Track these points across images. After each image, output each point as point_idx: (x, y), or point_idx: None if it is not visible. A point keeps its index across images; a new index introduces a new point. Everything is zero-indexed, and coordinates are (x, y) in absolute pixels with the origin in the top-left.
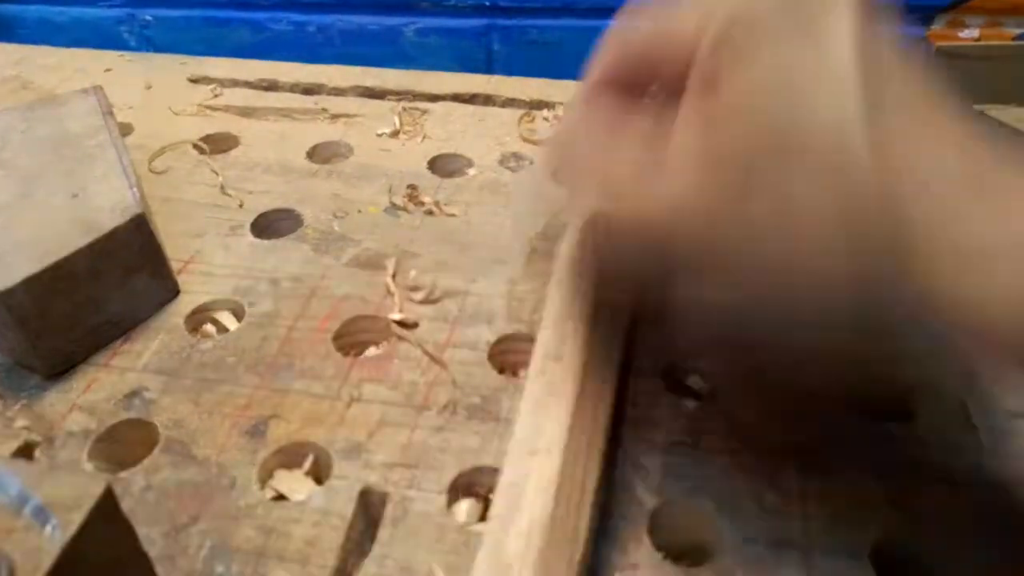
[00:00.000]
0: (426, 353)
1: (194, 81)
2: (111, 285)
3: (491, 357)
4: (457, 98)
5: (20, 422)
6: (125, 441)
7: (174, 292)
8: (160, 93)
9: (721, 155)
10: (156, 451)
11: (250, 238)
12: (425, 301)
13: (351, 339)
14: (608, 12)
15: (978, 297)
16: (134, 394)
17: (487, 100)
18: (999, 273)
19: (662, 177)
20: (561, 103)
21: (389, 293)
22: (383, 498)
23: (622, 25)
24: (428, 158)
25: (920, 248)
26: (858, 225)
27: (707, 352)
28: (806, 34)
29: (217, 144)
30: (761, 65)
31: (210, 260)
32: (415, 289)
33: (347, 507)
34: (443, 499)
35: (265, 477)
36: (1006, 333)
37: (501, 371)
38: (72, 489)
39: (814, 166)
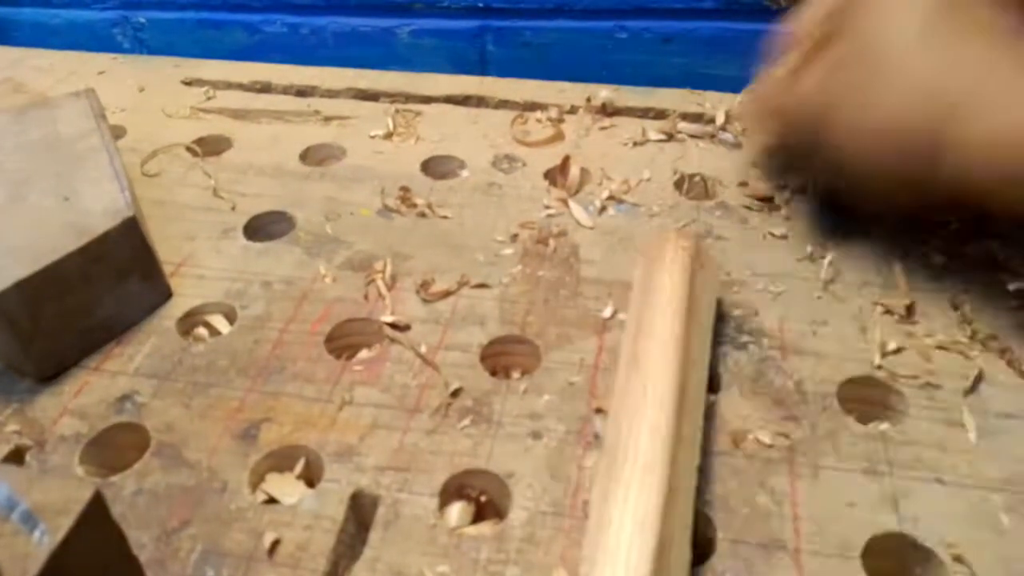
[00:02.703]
0: (418, 355)
1: (187, 83)
2: (103, 288)
3: (483, 359)
4: (450, 100)
5: (11, 426)
6: (116, 445)
7: (166, 295)
8: (153, 95)
9: (832, 65)
10: (147, 455)
11: (242, 241)
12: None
13: (343, 341)
14: (601, 14)
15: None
16: (125, 398)
17: (480, 102)
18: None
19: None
20: (555, 105)
21: (381, 295)
22: (374, 501)
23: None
24: (421, 160)
25: (959, 114)
26: (914, 106)
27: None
28: None
29: (210, 147)
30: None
31: (202, 263)
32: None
33: (338, 510)
34: (434, 502)
35: (256, 481)
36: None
37: (494, 373)
38: (61, 494)
39: (887, 69)
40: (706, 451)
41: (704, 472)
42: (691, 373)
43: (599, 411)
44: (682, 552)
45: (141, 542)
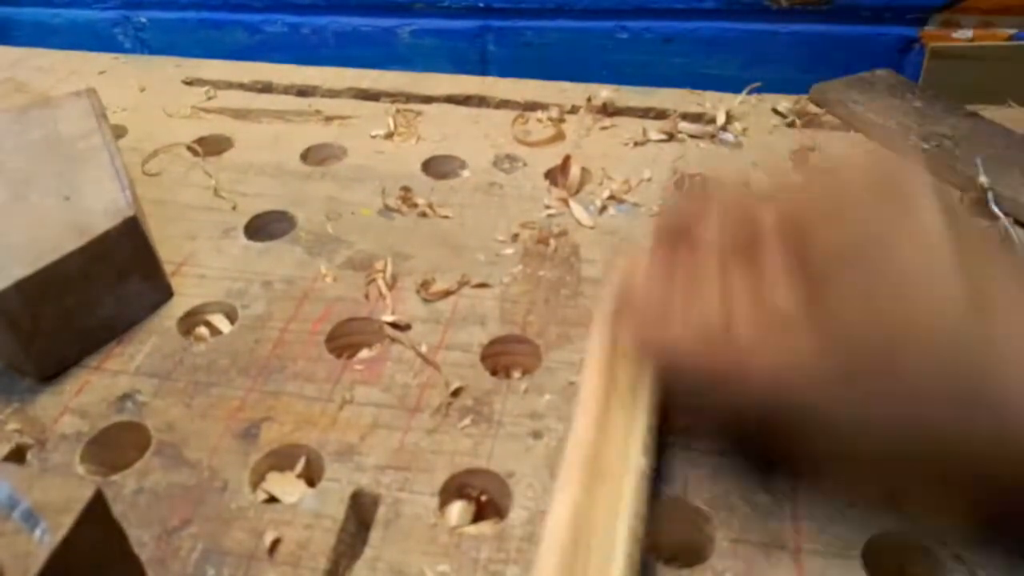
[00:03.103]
0: (419, 355)
1: (188, 83)
2: (104, 288)
3: (484, 359)
4: (451, 100)
5: (12, 425)
6: (117, 444)
7: (167, 295)
8: (154, 95)
9: (837, 335)
10: (148, 454)
11: (243, 240)
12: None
13: (344, 341)
14: (602, 14)
15: None
16: (126, 397)
17: (481, 102)
18: None
19: (769, 335)
20: (556, 105)
21: (382, 295)
22: (375, 500)
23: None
24: (422, 160)
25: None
26: (966, 396)
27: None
28: (899, 211)
29: (211, 146)
30: (853, 230)
31: (203, 262)
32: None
33: (339, 509)
34: (435, 501)
35: (257, 480)
36: None
37: (494, 373)
38: (62, 492)
39: (927, 354)
40: (706, 451)
41: (705, 472)
42: (617, 370)
43: None
44: (606, 542)
45: (142, 541)
